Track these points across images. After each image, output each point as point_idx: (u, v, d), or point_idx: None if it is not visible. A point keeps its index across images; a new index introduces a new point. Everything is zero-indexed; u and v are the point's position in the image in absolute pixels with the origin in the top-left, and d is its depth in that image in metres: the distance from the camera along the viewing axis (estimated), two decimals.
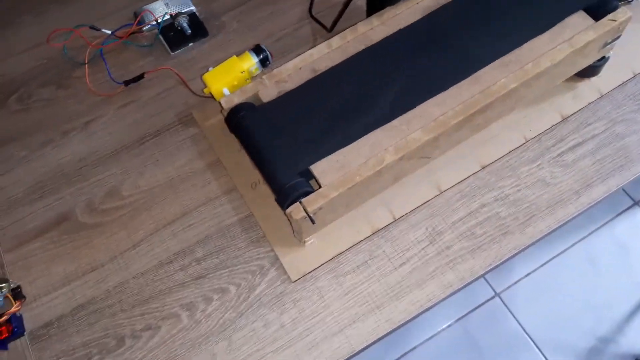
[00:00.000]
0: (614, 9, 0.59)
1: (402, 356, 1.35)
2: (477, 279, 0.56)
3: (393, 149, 0.53)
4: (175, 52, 0.72)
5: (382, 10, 0.61)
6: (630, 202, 1.54)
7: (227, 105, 0.57)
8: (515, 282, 1.44)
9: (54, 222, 0.62)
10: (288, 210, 0.51)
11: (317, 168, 0.53)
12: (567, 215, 0.59)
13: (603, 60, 0.65)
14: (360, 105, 0.56)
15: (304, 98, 0.57)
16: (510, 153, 0.63)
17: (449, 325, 1.38)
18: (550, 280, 1.45)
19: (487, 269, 0.56)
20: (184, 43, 0.73)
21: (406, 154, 0.54)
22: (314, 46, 0.61)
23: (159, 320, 0.55)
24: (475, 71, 0.57)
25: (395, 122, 0.55)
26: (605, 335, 1.39)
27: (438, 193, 0.60)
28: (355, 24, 0.61)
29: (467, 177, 0.61)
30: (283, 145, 0.54)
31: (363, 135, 0.54)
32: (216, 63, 0.65)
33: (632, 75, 0.67)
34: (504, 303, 1.42)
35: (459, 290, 0.56)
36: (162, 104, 0.69)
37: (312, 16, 0.74)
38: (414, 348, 1.36)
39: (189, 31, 0.72)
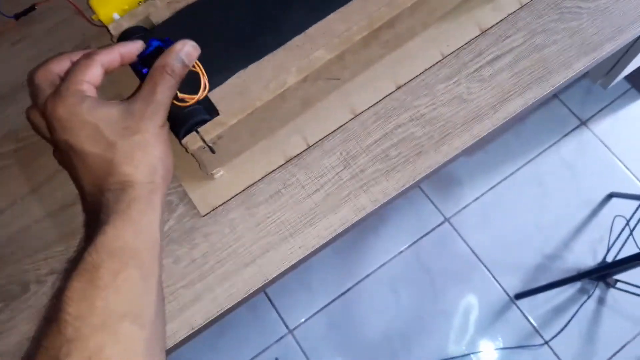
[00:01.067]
0: None
1: (355, 284, 1.38)
2: (390, 200, 0.56)
3: (295, 70, 0.50)
4: None
5: None
6: (577, 122, 1.56)
7: (115, 31, 0.53)
8: (464, 207, 1.47)
9: None
10: (184, 141, 0.48)
11: (214, 94, 0.50)
12: (483, 131, 0.58)
13: None
14: (259, 23, 0.52)
15: (198, 18, 0.52)
16: (427, 71, 0.61)
17: (400, 252, 1.41)
18: (498, 203, 1.48)
19: (400, 190, 0.55)
20: None
21: (310, 75, 0.51)
22: None
23: (65, 263, 0.53)
24: None
25: (297, 41, 0.52)
26: (552, 253, 1.44)
27: (352, 117, 0.58)
28: None
29: (383, 99, 0.59)
30: None
31: (264, 56, 0.51)
32: None
33: None
34: (453, 228, 1.45)
35: (372, 212, 0.55)
36: (58, 38, 0.64)
37: None
38: (368, 275, 1.39)
39: None
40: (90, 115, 0.42)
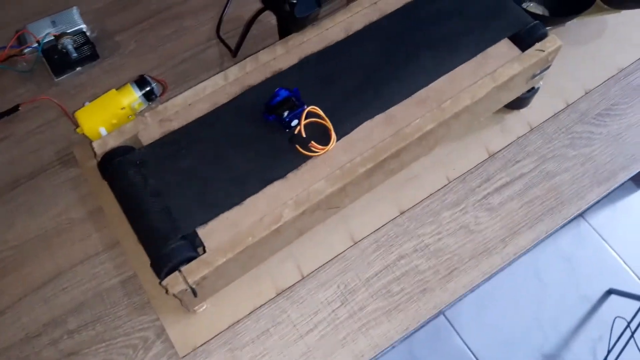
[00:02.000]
0: (542, 37, 0.54)
1: None
2: (392, 345, 0.50)
3: (293, 203, 0.46)
4: (60, 78, 0.63)
5: (287, 37, 0.54)
6: None
7: (100, 149, 0.49)
8: (460, 299, 1.40)
9: None
10: (164, 283, 0.43)
11: (203, 229, 0.45)
12: (492, 268, 0.54)
13: (532, 91, 0.59)
14: (256, 151, 0.48)
15: (191, 141, 0.49)
16: (432, 196, 0.57)
17: (392, 346, 1.33)
18: (495, 296, 1.42)
19: (402, 334, 0.50)
20: (70, 68, 0.63)
21: (308, 208, 0.47)
22: (221, 71, 0.53)
23: None
24: (388, 108, 0.50)
25: (296, 171, 0.48)
26: (551, 352, 1.37)
27: (352, 244, 0.54)
28: (263, 48, 0.54)
29: (385, 225, 0.55)
30: (162, 200, 0.46)
31: (260, 188, 0.47)
32: (108, 89, 0.56)
33: (565, 106, 0.62)
34: (448, 321, 1.38)
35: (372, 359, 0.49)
36: (41, 140, 0.60)
37: (219, 37, 0.66)
38: None
39: (75, 54, 0.63)
40: None
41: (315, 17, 0.52)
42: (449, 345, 1.35)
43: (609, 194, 0.59)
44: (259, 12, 0.55)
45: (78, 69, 0.63)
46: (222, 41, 0.65)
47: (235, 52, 0.62)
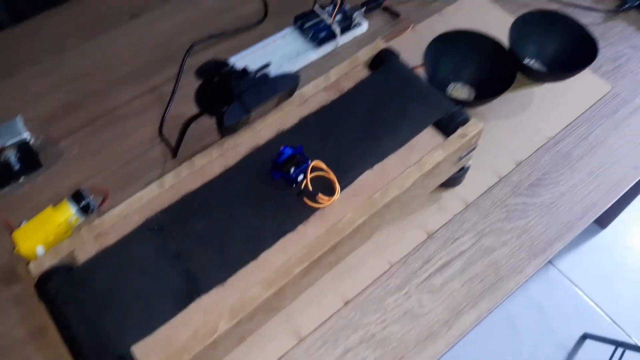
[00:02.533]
0: (464, 121, 0.56)
1: None
2: None
3: (228, 313, 0.46)
4: (3, 191, 0.64)
5: (222, 140, 0.56)
6: None
7: (35, 271, 0.49)
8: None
9: None
10: None
11: (139, 348, 0.45)
12: (438, 353, 0.54)
13: (463, 170, 0.62)
14: (191, 262, 0.49)
15: (125, 256, 0.49)
16: (375, 282, 0.58)
17: None
18: (472, 350, 1.41)
19: None
20: (13, 179, 0.64)
21: (245, 316, 0.47)
22: (162, 174, 0.54)
23: None
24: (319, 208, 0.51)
25: (231, 280, 0.48)
26: None
27: (297, 342, 0.54)
28: (207, 146, 0.55)
29: (330, 317, 0.55)
30: (95, 321, 0.45)
31: (195, 299, 0.47)
32: (52, 198, 0.57)
33: (498, 180, 0.65)
34: None
35: None
36: None
37: (161, 136, 0.67)
38: None
39: (17, 166, 0.64)
40: None
41: (246, 121, 0.54)
42: None
43: (545, 264, 0.61)
44: (195, 117, 0.57)
45: (21, 179, 0.64)
46: (165, 140, 0.67)
47: (174, 154, 0.63)
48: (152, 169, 0.65)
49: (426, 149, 0.55)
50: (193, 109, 0.56)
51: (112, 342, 0.45)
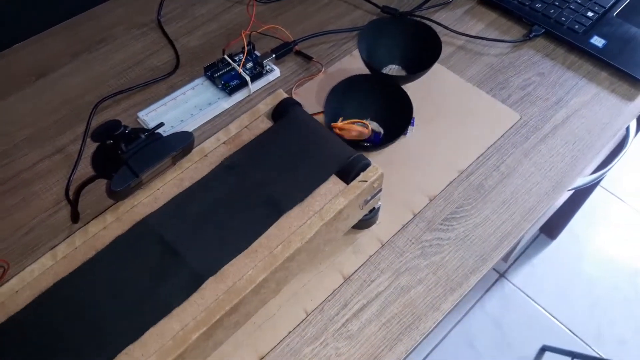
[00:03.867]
0: (365, 167, 0.57)
1: None
2: None
3: None
4: None
5: (116, 204, 0.54)
6: (496, 275, 1.56)
7: None
8: None
9: None
10: None
11: None
12: None
13: (374, 211, 0.62)
14: (80, 338, 0.47)
15: (12, 336, 0.47)
16: (291, 333, 0.57)
17: None
18: None
19: None
20: None
21: None
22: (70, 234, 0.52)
23: None
24: (216, 271, 0.50)
25: (127, 350, 0.47)
26: None
27: None
28: (107, 209, 0.54)
29: None
30: None
31: None
32: None
33: (412, 216, 0.65)
34: None
35: None
36: None
37: (67, 198, 0.66)
38: None
39: None
40: None
41: (139, 184, 0.53)
42: None
43: (461, 300, 0.61)
44: (89, 181, 0.56)
45: None
46: (70, 203, 0.65)
47: (74, 219, 0.62)
48: (58, 234, 0.63)
49: (327, 198, 0.55)
50: None
51: None
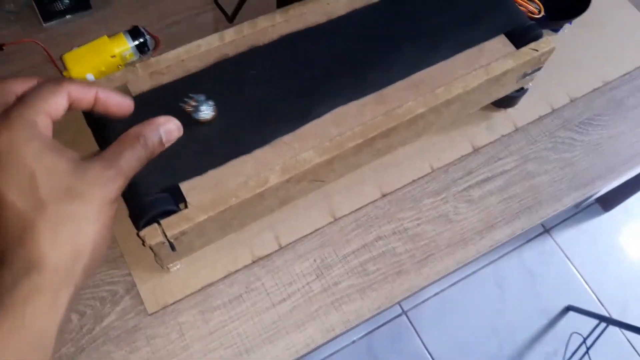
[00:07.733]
0: (537, 37, 0.55)
1: None
2: (362, 322, 0.50)
3: (280, 169, 0.46)
4: (49, 24, 0.61)
5: (288, 7, 0.54)
6: (541, 229, 1.56)
7: None
8: (423, 301, 1.42)
9: None
10: (142, 233, 0.42)
11: (186, 184, 0.44)
12: (467, 258, 0.54)
13: (521, 91, 0.60)
14: (247, 115, 0.48)
15: (180, 97, 0.48)
16: (415, 182, 0.57)
17: (353, 342, 1.34)
18: (457, 302, 1.44)
19: (375, 312, 0.50)
20: (60, 14, 0.61)
21: (294, 176, 0.46)
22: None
23: None
24: (381, 88, 0.50)
25: (286, 138, 0.47)
26: None
27: (332, 220, 0.54)
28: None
29: (366, 205, 0.55)
30: None
31: (247, 151, 0.46)
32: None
33: (550, 111, 0.64)
34: (410, 321, 1.40)
35: (341, 334, 0.49)
36: None
37: (216, 1, 0.65)
38: None
39: (67, 1, 0.61)
40: (33, 160, 0.31)
41: None
42: (407, 345, 1.37)
43: (584, 200, 0.61)
44: None
45: (68, 16, 0.62)
46: (219, 6, 0.64)
47: (232, 18, 0.61)
48: (201, 34, 0.63)
49: (495, 56, 0.54)
50: None
51: (161, 175, 0.44)
